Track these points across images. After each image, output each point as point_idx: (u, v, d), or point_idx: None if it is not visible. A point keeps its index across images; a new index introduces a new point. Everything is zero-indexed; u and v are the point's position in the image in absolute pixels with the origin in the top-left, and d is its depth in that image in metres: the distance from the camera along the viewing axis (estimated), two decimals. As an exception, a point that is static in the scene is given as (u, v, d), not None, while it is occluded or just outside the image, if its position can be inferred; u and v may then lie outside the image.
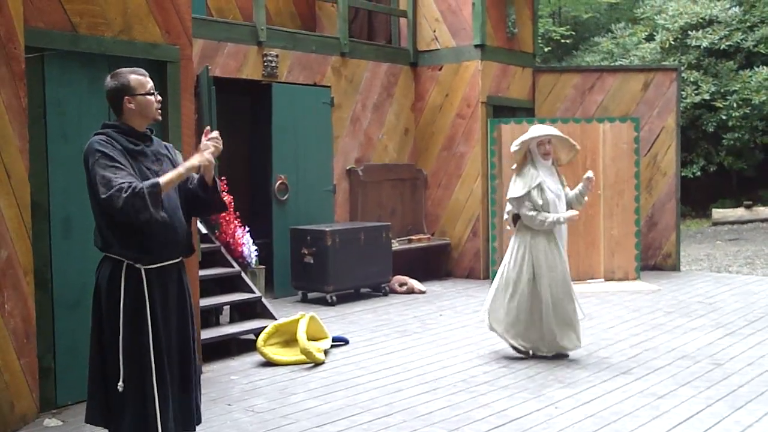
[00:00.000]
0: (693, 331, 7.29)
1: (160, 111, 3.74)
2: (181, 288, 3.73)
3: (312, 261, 8.80)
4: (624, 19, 22.94)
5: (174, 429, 3.61)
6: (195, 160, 3.62)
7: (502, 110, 10.67)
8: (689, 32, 19.25)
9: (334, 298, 8.83)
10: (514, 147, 6.37)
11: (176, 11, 5.75)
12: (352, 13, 10.93)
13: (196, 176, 3.79)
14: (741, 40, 19.01)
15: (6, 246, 4.70)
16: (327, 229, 8.84)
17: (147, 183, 3.44)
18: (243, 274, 7.32)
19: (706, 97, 18.45)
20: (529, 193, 6.21)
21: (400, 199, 10.68)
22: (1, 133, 4.68)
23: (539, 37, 14.07)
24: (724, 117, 18.42)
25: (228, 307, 7.22)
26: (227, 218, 7.77)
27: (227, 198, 7.91)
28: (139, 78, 3.65)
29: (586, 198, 6.45)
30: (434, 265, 10.71)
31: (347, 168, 10.07)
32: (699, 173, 18.96)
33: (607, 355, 6.48)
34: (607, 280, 9.87)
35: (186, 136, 5.79)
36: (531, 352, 6.42)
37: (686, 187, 15.02)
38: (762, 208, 18.05)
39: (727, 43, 18.93)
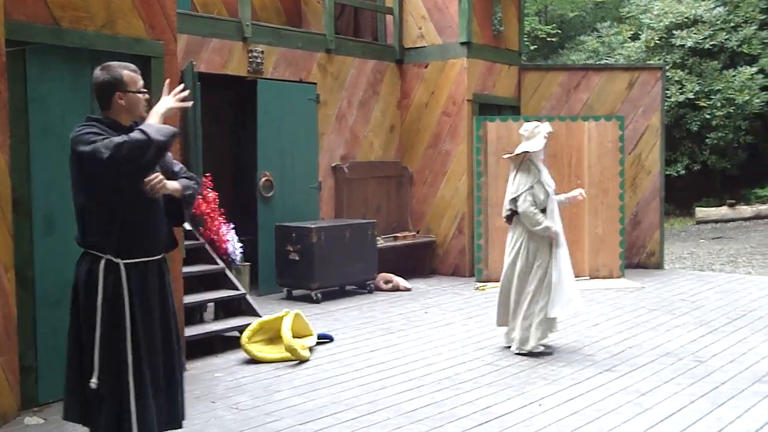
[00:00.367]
0: (676, 328, 7.33)
1: (147, 110, 3.70)
2: (162, 284, 3.69)
3: (297, 258, 8.78)
4: (609, 18, 23.05)
5: (155, 426, 3.57)
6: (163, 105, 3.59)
7: (487, 108, 10.67)
8: (674, 32, 19.35)
9: (319, 295, 8.82)
10: (539, 145, 6.35)
11: (160, 6, 5.72)
12: (338, 10, 10.90)
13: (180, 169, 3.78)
14: (725, 39, 19.13)
15: (-13, 242, 4.66)
16: (312, 226, 8.82)
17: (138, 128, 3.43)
18: (227, 271, 7.30)
19: (691, 96, 18.56)
20: (532, 187, 6.30)
21: (385, 196, 10.66)
22: (-18, 127, 4.64)
23: (525, 36, 14.12)
24: (708, 116, 18.53)
25: (212, 304, 7.18)
26: (211, 215, 7.74)
27: (211, 194, 7.89)
28: (131, 74, 3.62)
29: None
30: (419, 262, 10.71)
31: (333, 165, 10.05)
32: (683, 172, 19.05)
33: (591, 352, 6.50)
34: (591, 277, 9.91)
35: (170, 132, 5.75)
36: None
37: (670, 186, 15.09)
38: (745, 207, 18.17)
39: (712, 43, 19.05)
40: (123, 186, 3.43)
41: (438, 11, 10.64)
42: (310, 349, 6.58)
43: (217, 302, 7.12)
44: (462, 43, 10.39)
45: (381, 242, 9.93)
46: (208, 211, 7.74)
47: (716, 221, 17.77)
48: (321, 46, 9.90)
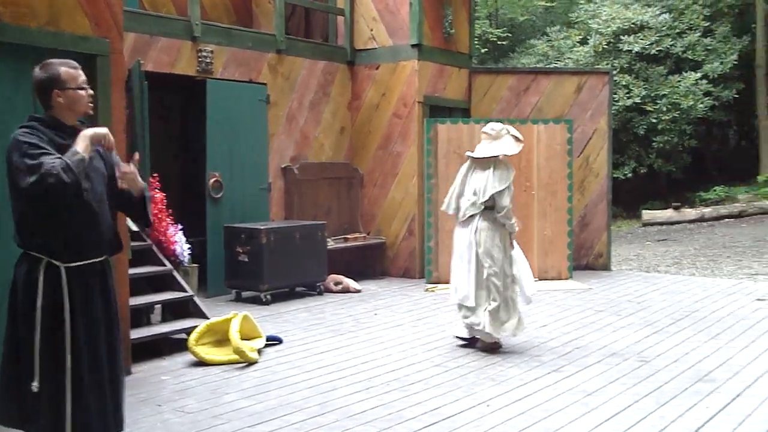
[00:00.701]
0: (622, 329, 7.44)
1: (91, 106, 3.63)
2: (105, 287, 3.61)
3: (246, 259, 8.71)
4: (559, 22, 23.38)
5: (93, 431, 3.50)
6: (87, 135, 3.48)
7: (438, 110, 10.72)
8: (621, 37, 19.70)
9: (268, 297, 8.75)
10: (516, 149, 6.64)
11: (106, 3, 5.62)
12: (289, 10, 10.86)
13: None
14: (670, 45, 19.55)
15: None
16: (262, 227, 8.76)
17: (67, 154, 3.33)
18: (175, 273, 7.20)
19: (638, 100, 18.91)
20: (509, 186, 6.52)
21: (336, 197, 10.64)
22: None
23: (476, 39, 14.23)
24: (654, 120, 18.90)
25: (160, 306, 7.09)
26: (159, 216, 7.64)
27: (159, 195, 7.79)
28: (70, 71, 3.52)
29: None
30: (370, 264, 10.71)
31: (283, 166, 9.99)
32: (630, 175, 19.40)
33: (539, 353, 6.57)
34: (540, 279, 10.00)
35: (116, 132, 5.64)
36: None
37: (618, 189, 15.34)
38: (689, 210, 18.56)
39: (658, 49, 19.44)
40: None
41: (389, 13, 10.65)
42: (259, 351, 6.53)
43: (165, 304, 7.03)
44: (413, 46, 10.42)
45: (331, 244, 9.90)
46: (156, 212, 7.63)
47: (662, 223, 18.11)
48: (271, 46, 9.84)
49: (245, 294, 9.00)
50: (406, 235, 10.57)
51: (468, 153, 6.90)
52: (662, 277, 10.84)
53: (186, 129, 10.48)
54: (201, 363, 6.22)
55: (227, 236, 8.92)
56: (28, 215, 3.45)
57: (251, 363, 6.24)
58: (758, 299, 8.84)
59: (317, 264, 9.29)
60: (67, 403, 3.42)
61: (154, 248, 7.33)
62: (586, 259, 11.19)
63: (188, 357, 6.34)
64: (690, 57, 19.58)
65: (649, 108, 18.98)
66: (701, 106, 18.81)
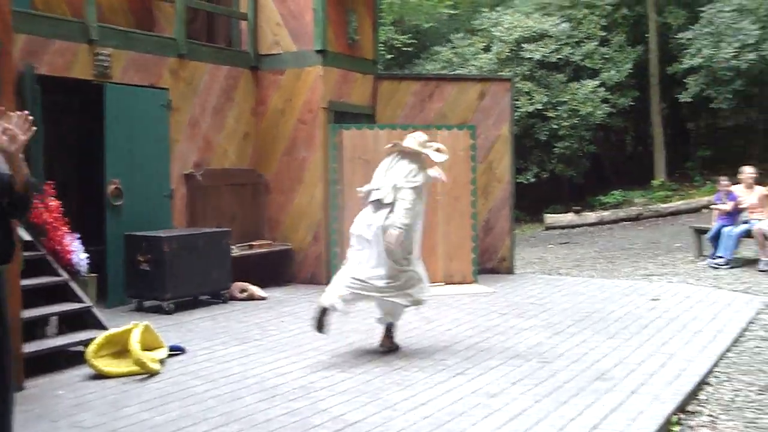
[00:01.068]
0: (525, 331, 7.59)
1: None
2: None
3: (148, 268, 8.50)
4: (463, 29, 23.74)
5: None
6: None
7: (343, 116, 10.71)
8: (523, 45, 20.19)
9: (171, 306, 8.56)
10: (442, 158, 6.83)
11: (-6, 3, 5.40)
12: (191, 14, 10.67)
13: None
14: (570, 54, 20.16)
15: None
16: (164, 235, 8.57)
17: None
18: (71, 283, 6.97)
19: (539, 107, 19.41)
20: (422, 185, 6.63)
21: (240, 204, 10.50)
22: None
23: (382, 45, 14.30)
24: (555, 126, 19.43)
25: (55, 318, 6.82)
26: (54, 224, 7.37)
27: (54, 203, 7.52)
28: None
29: None
30: (276, 270, 10.61)
31: (185, 172, 9.80)
32: (533, 180, 19.88)
33: (443, 357, 6.63)
34: (446, 283, 10.11)
35: (6, 137, 5.43)
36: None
37: (521, 193, 15.69)
38: (589, 214, 19.13)
39: (558, 57, 20.01)
40: None
41: (293, 18, 10.60)
42: (161, 361, 6.37)
43: (61, 316, 6.77)
44: (317, 51, 10.39)
45: (236, 251, 9.77)
46: (51, 220, 7.37)
47: (564, 227, 18.61)
48: (173, 50, 9.65)
49: (147, 304, 8.78)
50: (312, 241, 10.52)
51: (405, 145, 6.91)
52: (564, 279, 11.12)
53: (84, 135, 10.15)
54: (100, 376, 6.03)
55: (128, 245, 8.69)
56: None
57: (153, 374, 6.09)
58: (652, 299, 9.16)
59: (222, 272, 9.15)
60: None
61: (49, 258, 7.07)
62: (491, 263, 11.37)
63: (86, 370, 6.14)
64: (588, 65, 20.24)
65: (550, 114, 19.50)
66: (599, 112, 19.46)
